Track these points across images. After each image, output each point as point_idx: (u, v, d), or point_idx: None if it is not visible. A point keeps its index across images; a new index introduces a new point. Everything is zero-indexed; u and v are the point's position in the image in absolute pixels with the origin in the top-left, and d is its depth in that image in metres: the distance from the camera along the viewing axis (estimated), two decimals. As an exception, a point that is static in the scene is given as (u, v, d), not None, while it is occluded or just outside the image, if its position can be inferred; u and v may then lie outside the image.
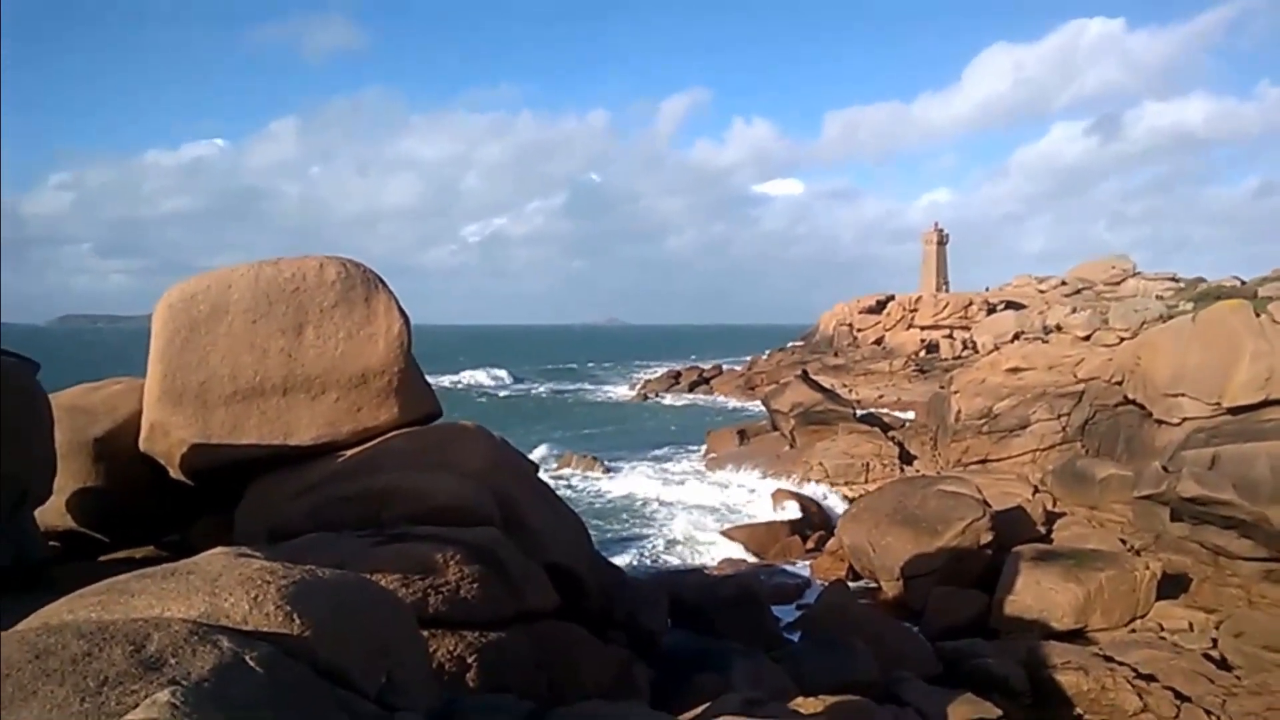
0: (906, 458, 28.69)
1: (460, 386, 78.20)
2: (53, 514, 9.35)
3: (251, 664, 3.38)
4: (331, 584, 4.31)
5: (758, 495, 25.54)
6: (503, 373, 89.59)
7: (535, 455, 26.22)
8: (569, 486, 27.64)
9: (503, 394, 75.66)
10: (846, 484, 26.35)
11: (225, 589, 3.84)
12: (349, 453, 9.29)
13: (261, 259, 9.62)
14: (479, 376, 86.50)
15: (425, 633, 6.13)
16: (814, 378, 40.13)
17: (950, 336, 64.70)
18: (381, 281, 9.72)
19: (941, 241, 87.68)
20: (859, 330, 74.63)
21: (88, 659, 3.14)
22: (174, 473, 9.57)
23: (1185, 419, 19.73)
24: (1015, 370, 28.90)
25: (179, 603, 3.74)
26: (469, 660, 6.80)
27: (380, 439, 9.39)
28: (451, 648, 6.79)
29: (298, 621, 3.82)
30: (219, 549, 4.72)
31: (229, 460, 9.20)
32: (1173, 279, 57.06)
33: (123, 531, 10.06)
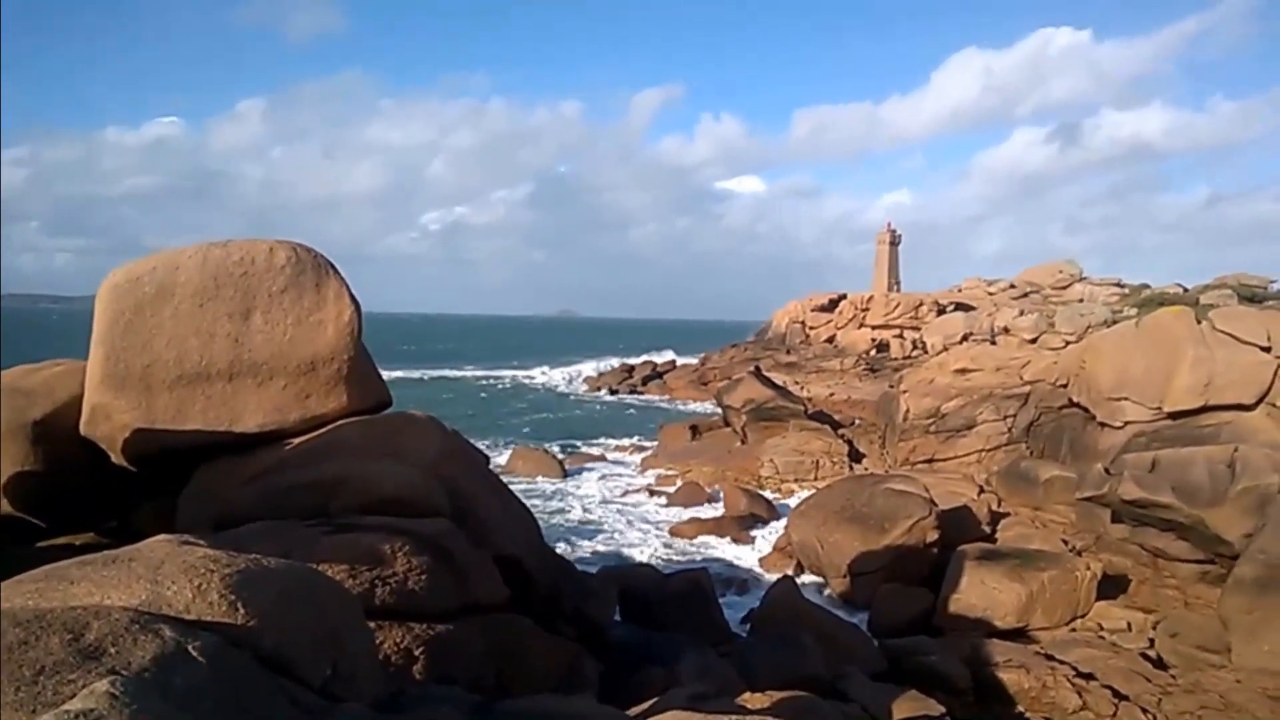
0: (856, 456, 28.97)
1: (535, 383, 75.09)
2: (-11, 498, 9.13)
3: (194, 654, 3.31)
4: (277, 573, 4.24)
5: (710, 489, 25.64)
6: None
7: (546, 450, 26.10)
8: (519, 479, 27.54)
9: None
10: (796, 481, 26.55)
11: (168, 577, 3.76)
12: (296, 441, 9.17)
13: (213, 241, 9.46)
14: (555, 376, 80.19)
15: (372, 624, 6.07)
16: (766, 374, 40.36)
17: (901, 336, 65.37)
18: (333, 267, 9.59)
19: (894, 242, 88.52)
20: (811, 328, 75.13)
21: (24, 647, 3.05)
22: (115, 458, 9.38)
23: (1127, 422, 20.13)
24: (963, 371, 29.29)
25: (120, 591, 3.65)
26: (416, 652, 6.75)
27: (329, 427, 9.28)
28: (399, 639, 6.74)
29: (242, 611, 3.75)
30: (162, 536, 4.62)
31: (173, 446, 9.04)
32: (1118, 284, 58.18)
33: (62, 517, 9.85)
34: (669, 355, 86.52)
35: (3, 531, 9.59)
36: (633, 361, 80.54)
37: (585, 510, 24.47)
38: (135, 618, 3.40)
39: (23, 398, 9.67)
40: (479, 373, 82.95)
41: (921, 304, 68.74)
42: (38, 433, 9.50)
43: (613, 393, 65.65)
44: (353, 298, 9.53)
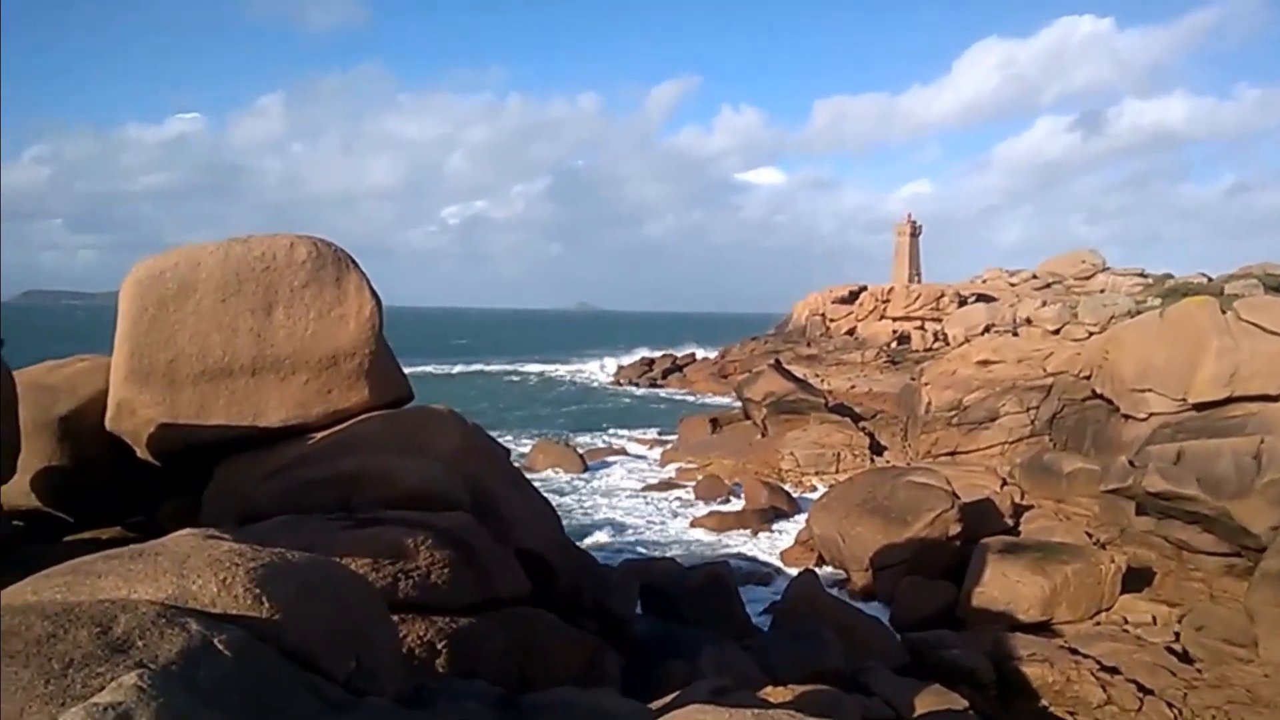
0: (877, 448, 28.87)
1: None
2: (16, 493, 9.21)
3: (220, 647, 3.33)
4: (301, 567, 4.26)
5: (730, 483, 25.61)
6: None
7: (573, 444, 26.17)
8: (540, 473, 27.59)
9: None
10: (817, 474, 26.49)
11: (194, 571, 3.78)
12: (319, 435, 9.21)
13: (233, 236, 9.50)
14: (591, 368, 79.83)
15: (395, 618, 6.09)
16: (786, 367, 40.28)
17: (922, 328, 64.99)
18: (353, 262, 9.62)
19: (914, 233, 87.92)
20: (831, 320, 74.84)
21: (52, 640, 3.08)
22: (140, 453, 9.45)
23: (1151, 414, 19.94)
24: (985, 363, 29.10)
25: (146, 584, 3.68)
26: (439, 646, 6.77)
27: (351, 422, 9.31)
28: (421, 633, 6.76)
29: (267, 604, 3.77)
30: (187, 530, 4.65)
31: (197, 441, 9.10)
32: (1141, 274, 57.59)
33: (88, 511, 9.93)
34: (693, 348, 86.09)
35: (30, 526, 9.69)
36: (653, 355, 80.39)
37: (606, 504, 24.49)
38: (162, 611, 3.42)
39: (48, 394, 9.76)
40: (505, 367, 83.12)
41: (943, 295, 68.36)
42: (63, 428, 9.58)
43: (633, 384, 65.61)
44: (373, 292, 9.56)
